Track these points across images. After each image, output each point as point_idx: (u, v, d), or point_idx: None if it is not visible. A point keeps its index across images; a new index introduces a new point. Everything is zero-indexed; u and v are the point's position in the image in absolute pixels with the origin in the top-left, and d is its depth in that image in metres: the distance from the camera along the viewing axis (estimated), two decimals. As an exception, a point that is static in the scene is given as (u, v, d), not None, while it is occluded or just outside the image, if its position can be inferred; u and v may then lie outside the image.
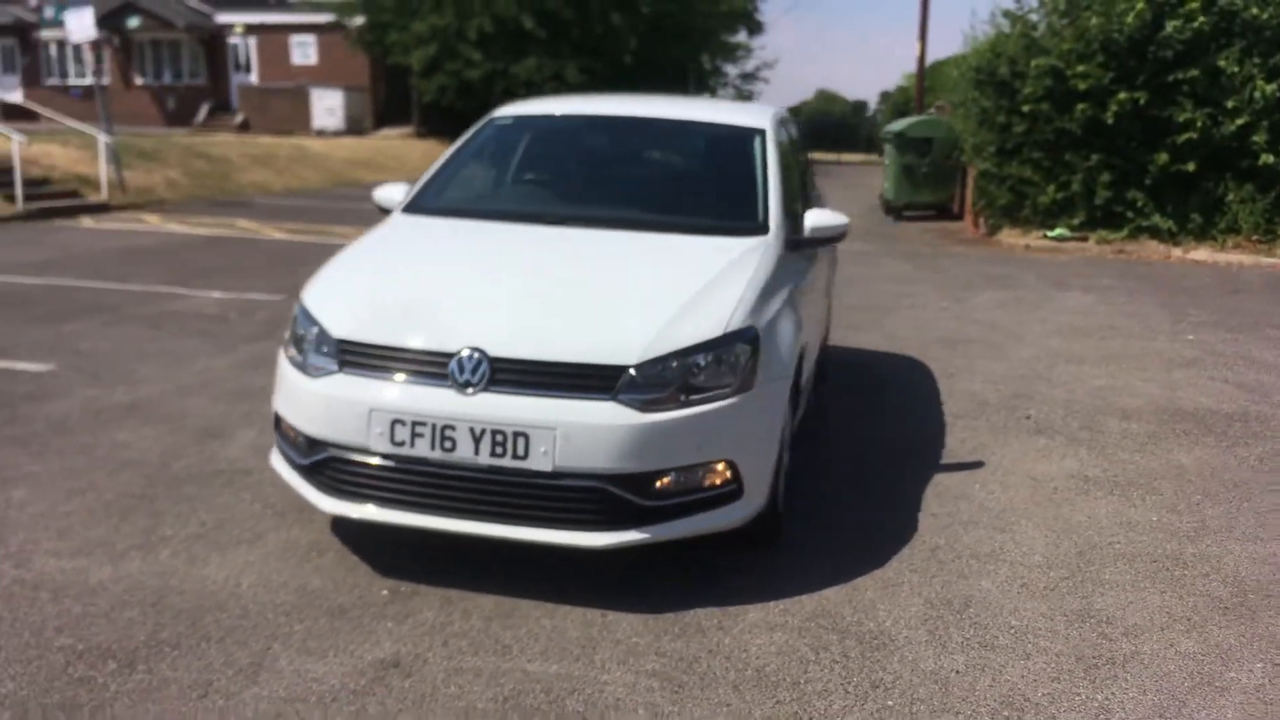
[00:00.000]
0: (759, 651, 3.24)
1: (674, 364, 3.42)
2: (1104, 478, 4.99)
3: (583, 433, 3.28)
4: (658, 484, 3.40)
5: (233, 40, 36.74)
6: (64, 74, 37.77)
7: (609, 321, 3.52)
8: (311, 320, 3.66)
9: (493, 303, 3.62)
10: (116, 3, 35.44)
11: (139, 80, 37.35)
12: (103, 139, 15.66)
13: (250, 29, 36.30)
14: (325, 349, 3.58)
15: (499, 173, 4.93)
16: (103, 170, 15.60)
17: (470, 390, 3.34)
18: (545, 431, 3.28)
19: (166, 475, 4.50)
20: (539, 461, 3.29)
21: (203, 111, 36.06)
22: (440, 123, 30.22)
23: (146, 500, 4.22)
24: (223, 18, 36.54)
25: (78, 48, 36.94)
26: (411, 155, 27.83)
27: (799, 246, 4.46)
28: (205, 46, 36.95)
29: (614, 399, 3.33)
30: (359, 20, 31.99)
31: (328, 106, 31.59)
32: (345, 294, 3.78)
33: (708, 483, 3.50)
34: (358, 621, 3.29)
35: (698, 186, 4.84)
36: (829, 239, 4.57)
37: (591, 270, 3.92)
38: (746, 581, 3.71)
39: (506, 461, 3.31)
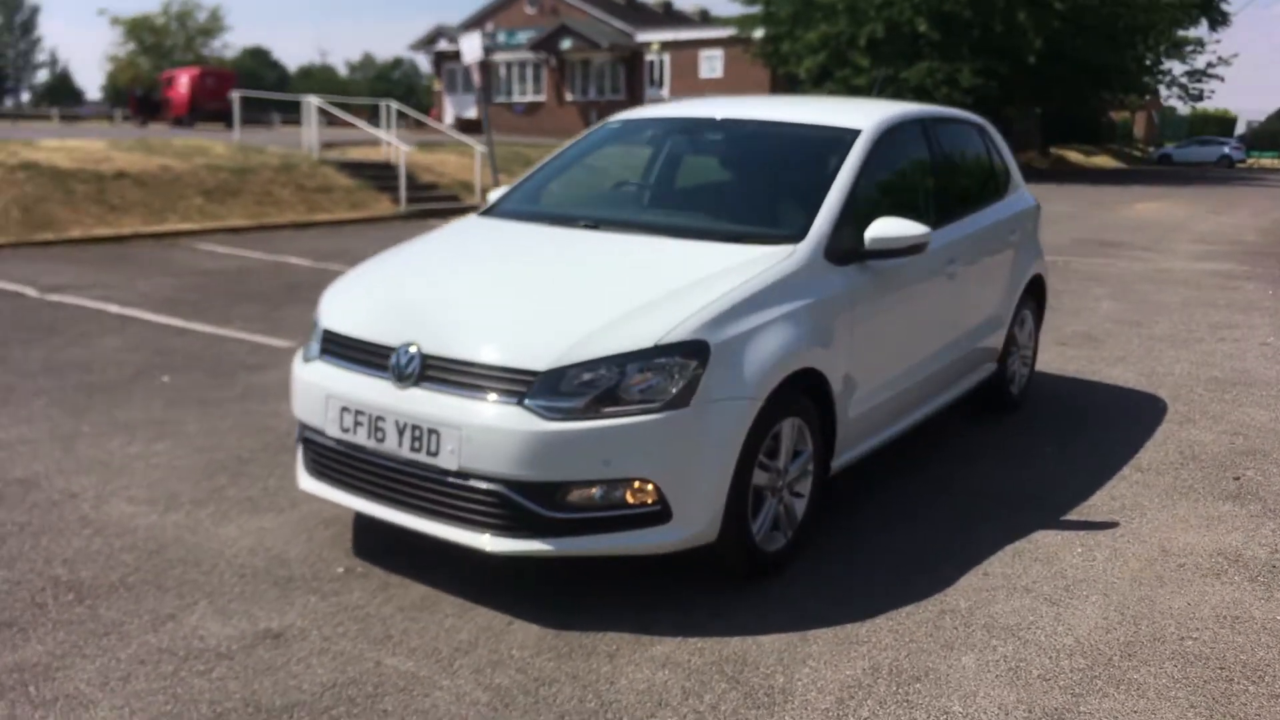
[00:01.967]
0: (626, 686, 3.03)
1: (591, 373, 3.28)
2: (1260, 561, 4.01)
3: (483, 435, 3.25)
4: (569, 496, 3.28)
5: (649, 57, 39.26)
6: (510, 92, 42.45)
7: (537, 326, 3.44)
8: (316, 312, 3.96)
9: (447, 302, 3.68)
10: (552, 27, 39.33)
11: (569, 97, 41.03)
12: (479, 149, 17.53)
13: (665, 46, 38.58)
14: (316, 338, 3.85)
15: (581, 175, 4.95)
16: (477, 176, 17.47)
17: (404, 384, 3.44)
18: (453, 431, 3.30)
19: (280, 441, 5.05)
20: (447, 460, 3.31)
21: (618, 123, 38.93)
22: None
23: (244, 463, 4.77)
24: (642, 36, 39.16)
25: (523, 68, 41.57)
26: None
27: (851, 260, 4.04)
28: (626, 64, 39.82)
29: (520, 404, 3.27)
30: (759, 33, 32.82)
31: (720, 117, 32.71)
32: (347, 290, 4.02)
33: (630, 501, 3.32)
34: (287, 592, 3.52)
35: (754, 191, 4.52)
36: (895, 252, 4.09)
37: (569, 275, 3.84)
38: (691, 614, 3.46)
39: (422, 457, 3.36)
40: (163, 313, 8.15)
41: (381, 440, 3.46)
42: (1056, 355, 7.44)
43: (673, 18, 45.12)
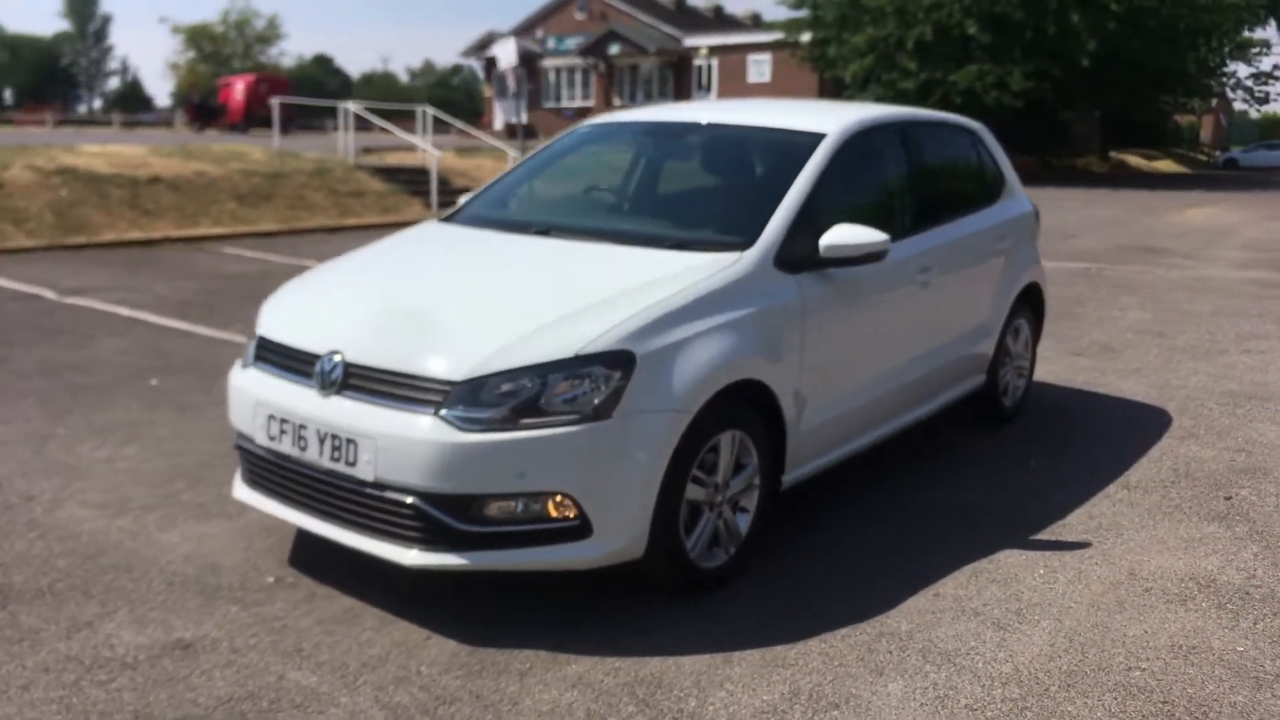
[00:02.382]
0: (529, 707, 2.94)
1: (510, 383, 3.20)
2: (1234, 587, 3.80)
3: (396, 445, 3.19)
4: (485, 509, 3.20)
5: (697, 62, 39.17)
6: (558, 97, 42.63)
7: (459, 335, 3.36)
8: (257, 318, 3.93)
9: (376, 310, 3.62)
10: (600, 32, 39.42)
11: (617, 101, 41.07)
12: (511, 153, 17.60)
13: (713, 50, 38.45)
14: (252, 345, 3.82)
15: (547, 180, 4.86)
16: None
17: (327, 393, 3.39)
18: (369, 441, 3.23)
19: (248, 449, 5.03)
20: (364, 470, 3.25)
21: (665, 128, 38.86)
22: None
23: (205, 468, 4.76)
24: (690, 41, 39.08)
25: (571, 73, 41.73)
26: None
27: (806, 268, 3.91)
28: (674, 69, 39.77)
29: (435, 414, 3.19)
30: (806, 37, 32.55)
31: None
32: (288, 295, 3.98)
33: (549, 514, 3.23)
34: (210, 602, 3.48)
35: (710, 196, 4.41)
36: (851, 260, 3.95)
37: (503, 283, 3.76)
38: (616, 631, 3.35)
39: (341, 467, 3.31)
40: (172, 316, 8.24)
41: (304, 449, 3.41)
42: (1067, 366, 7.20)
43: (723, 22, 45.00)
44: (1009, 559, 4.01)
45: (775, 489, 3.94)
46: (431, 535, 3.21)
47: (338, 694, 2.96)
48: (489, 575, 3.53)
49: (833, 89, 33.56)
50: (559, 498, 3.21)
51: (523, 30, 44.03)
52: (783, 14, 33.69)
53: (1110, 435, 5.63)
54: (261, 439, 3.56)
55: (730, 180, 4.43)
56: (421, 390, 3.24)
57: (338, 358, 3.40)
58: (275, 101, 19.79)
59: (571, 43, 41.20)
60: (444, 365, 3.23)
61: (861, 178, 4.54)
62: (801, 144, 4.29)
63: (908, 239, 4.62)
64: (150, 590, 3.56)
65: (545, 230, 4.17)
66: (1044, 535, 4.27)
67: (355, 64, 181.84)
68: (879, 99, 29.95)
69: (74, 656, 3.12)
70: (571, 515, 3.23)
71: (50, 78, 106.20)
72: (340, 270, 4.13)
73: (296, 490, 3.49)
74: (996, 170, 5.66)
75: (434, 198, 16.25)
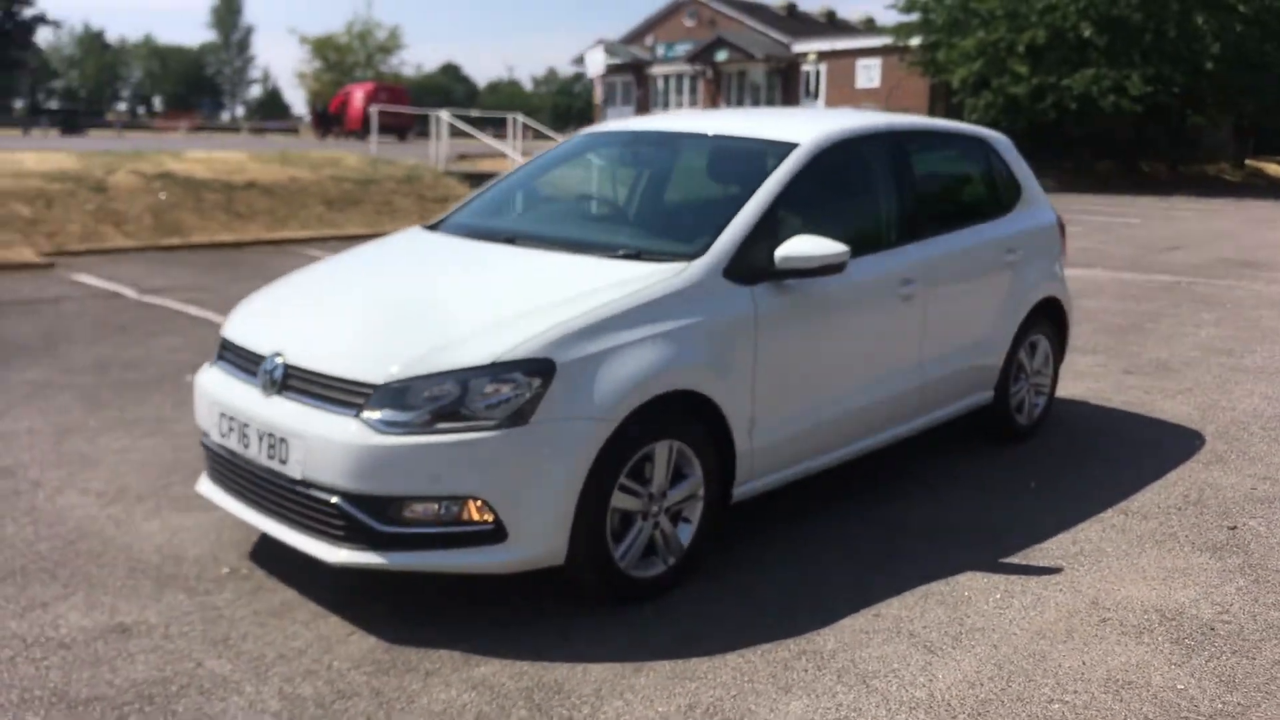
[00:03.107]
0: (422, 707, 2.99)
1: (431, 388, 3.27)
2: (1199, 621, 3.61)
3: (320, 446, 3.29)
4: (404, 510, 3.27)
5: (805, 68, 38.83)
6: (667, 104, 42.81)
7: (388, 339, 3.45)
8: (229, 318, 4.10)
9: (324, 314, 3.74)
10: (709, 38, 39.44)
11: (723, 107, 41.01)
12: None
13: (822, 56, 38.05)
14: (217, 345, 3.99)
15: (533, 188, 4.92)
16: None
17: (268, 392, 3.52)
18: (299, 440, 3.35)
19: (253, 445, 5.24)
20: (294, 468, 3.37)
21: (771, 135, 38.63)
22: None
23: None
24: (799, 46, 38.76)
25: (680, 80, 41.87)
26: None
27: (762, 279, 3.88)
28: (781, 75, 39.51)
29: (357, 416, 3.29)
30: (915, 41, 31.94)
31: (869, 128, 31.94)
32: (254, 298, 4.14)
33: (465, 518, 3.29)
34: (162, 589, 3.65)
35: (673, 206, 4.41)
36: (808, 271, 3.90)
37: (449, 289, 3.84)
38: (538, 635, 3.39)
39: (275, 464, 3.44)
40: (233, 315, 8.60)
41: (247, 446, 3.55)
42: (1114, 384, 6.92)
43: (836, 26, 44.50)
44: (968, 581, 3.90)
45: (726, 502, 3.92)
46: (353, 534, 3.31)
47: (245, 683, 3.08)
48: (438, 575, 3.61)
49: (944, 95, 32.85)
50: (475, 502, 3.26)
51: (634, 37, 44.39)
52: (896, 18, 33.14)
53: (1130, 457, 5.40)
54: (215, 436, 3.72)
55: (699, 190, 4.42)
56: (348, 393, 3.34)
57: (279, 359, 3.53)
58: (374, 109, 20.45)
59: (680, 49, 41.31)
60: (367, 369, 3.33)
61: (838, 188, 4.48)
62: (772, 154, 4.26)
63: (890, 251, 4.54)
64: (112, 576, 3.75)
65: (511, 239, 4.24)
66: (1015, 559, 4.13)
67: (482, 73, 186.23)
68: (988, 105, 29.20)
69: (19, 634, 3.32)
70: (487, 520, 3.28)
71: (196, 86, 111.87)
72: (307, 275, 4.28)
73: (243, 486, 3.64)
74: (1011, 181, 5.49)
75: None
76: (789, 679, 3.20)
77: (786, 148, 4.27)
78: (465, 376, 3.27)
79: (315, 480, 3.32)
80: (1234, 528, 4.49)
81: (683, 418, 3.65)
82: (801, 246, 3.88)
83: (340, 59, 47.01)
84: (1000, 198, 5.39)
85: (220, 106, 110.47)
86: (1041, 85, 28.21)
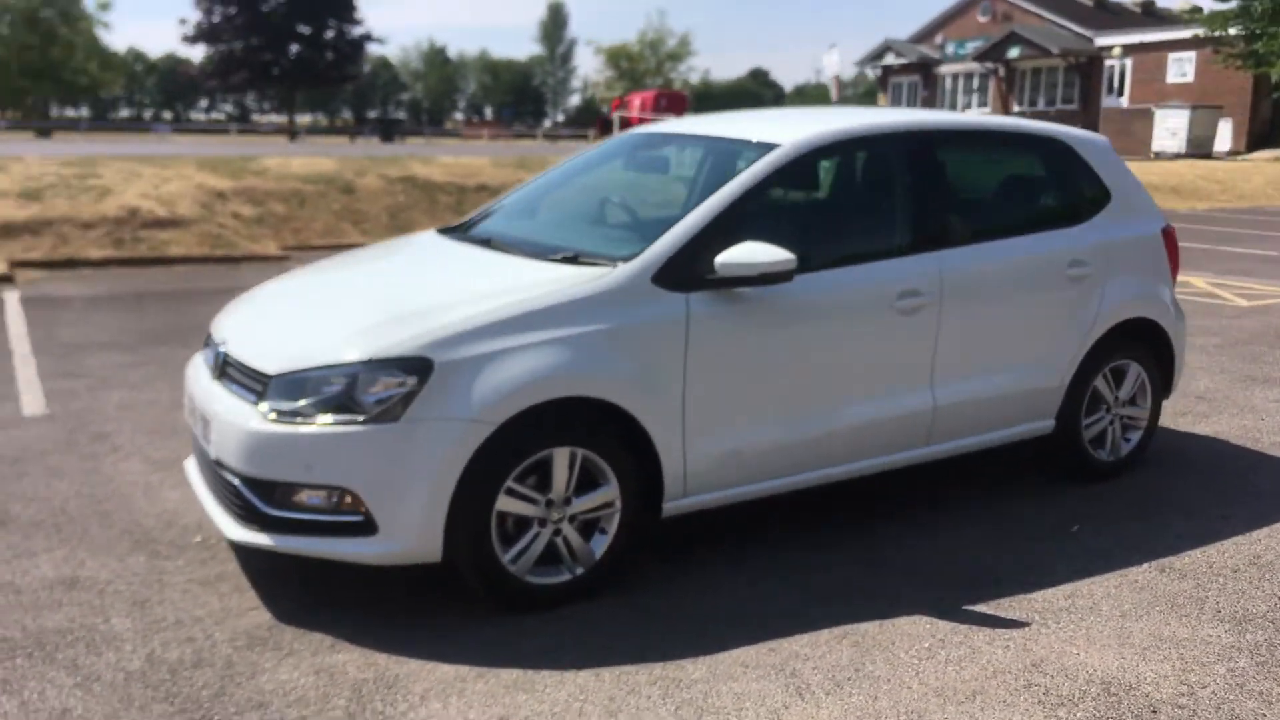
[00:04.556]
0: (259, 683, 3.13)
1: (317, 380, 3.41)
2: (1144, 700, 3.08)
3: (225, 429, 3.52)
4: (290, 496, 3.43)
5: (1109, 62, 35.89)
6: (954, 105, 41.00)
7: (297, 332, 3.63)
8: (233, 310, 4.44)
9: (269, 308, 3.97)
10: (1000, 34, 37.38)
11: (1015, 107, 38.74)
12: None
13: (1127, 50, 35.03)
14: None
15: (552, 193, 4.92)
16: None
17: (213, 377, 3.81)
18: (215, 423, 3.60)
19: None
20: (212, 449, 3.63)
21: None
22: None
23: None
24: (1102, 40, 35.91)
25: (969, 79, 40.02)
26: (1252, 180, 24.32)
27: (699, 286, 3.71)
28: (1079, 72, 36.75)
29: (255, 404, 3.48)
30: (1233, 30, 28.73)
31: (1170, 128, 29.11)
32: (249, 292, 4.45)
33: (340, 508, 3.40)
34: (132, 550, 4.01)
35: (639, 208, 4.23)
36: (748, 280, 3.68)
37: (384, 287, 3.95)
38: (424, 630, 3.45)
39: (204, 444, 3.71)
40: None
41: (194, 425, 3.86)
42: (1255, 422, 5.97)
43: (1153, 16, 40.74)
44: (906, 626, 3.54)
45: (656, 515, 3.79)
46: (248, 514, 3.51)
47: (127, 643, 3.35)
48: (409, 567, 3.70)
49: (1267, 89, 29.32)
50: (345, 493, 3.37)
51: (923, 36, 42.87)
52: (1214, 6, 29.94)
53: (1218, 506, 4.65)
54: (186, 415, 4.06)
55: (670, 193, 4.27)
56: (255, 381, 3.55)
57: (223, 348, 3.81)
58: (616, 116, 21.07)
59: (971, 47, 39.40)
60: (267, 360, 3.52)
61: (828, 193, 4.18)
62: (746, 156, 4.06)
63: (892, 260, 4.19)
64: (103, 535, 4.18)
65: (488, 241, 4.31)
66: (983, 607, 3.70)
67: (789, 77, 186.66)
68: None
69: (-10, 578, 3.79)
70: (359, 511, 3.37)
71: (523, 97, 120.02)
72: (295, 273, 4.55)
73: (200, 463, 3.95)
74: (1095, 188, 4.86)
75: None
76: (621, 705, 3.06)
77: (764, 149, 4.05)
78: (350, 371, 3.38)
79: (223, 461, 3.55)
80: None
81: (590, 425, 3.57)
82: (742, 253, 3.67)
83: (631, 67, 48.84)
84: (1072, 205, 4.80)
85: (516, 116, 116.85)
86: None
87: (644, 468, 3.71)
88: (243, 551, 4.00)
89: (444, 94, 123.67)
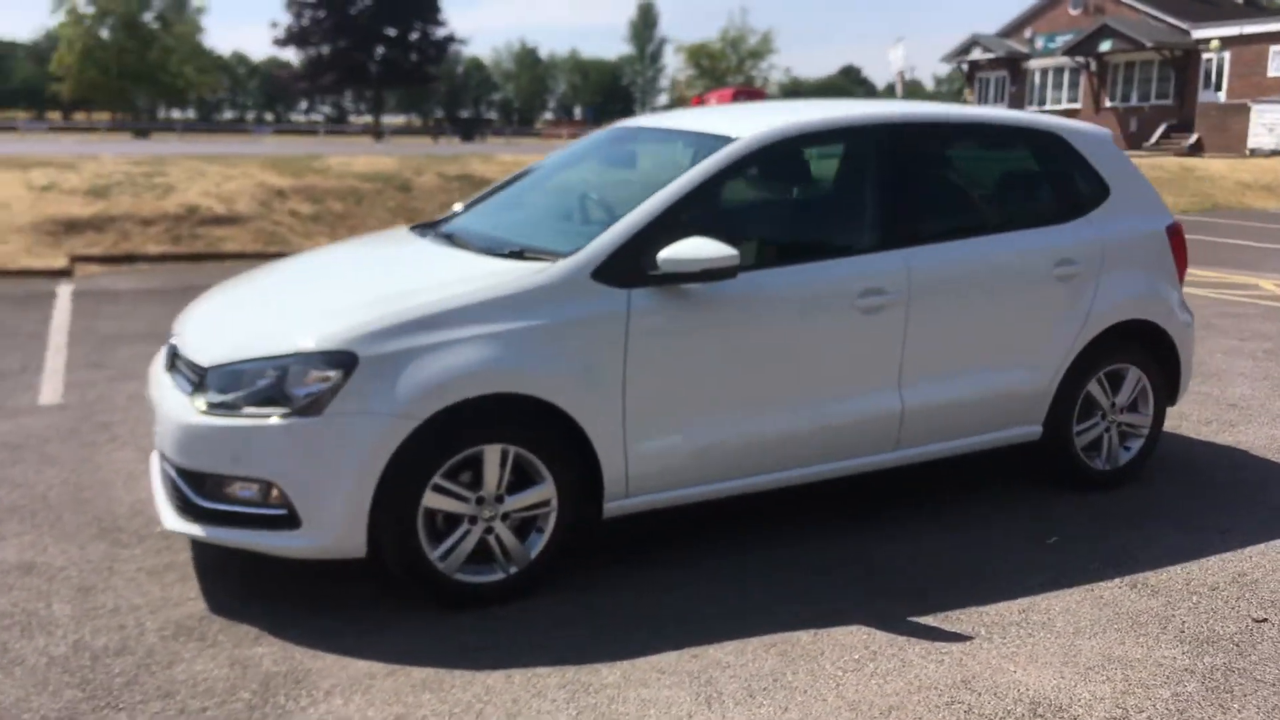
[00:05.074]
0: (173, 674, 3.15)
1: (247, 373, 3.43)
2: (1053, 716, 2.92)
3: (164, 420, 3.57)
4: (219, 488, 3.45)
5: (1206, 56, 34.49)
6: (1043, 101, 39.88)
7: (235, 327, 3.66)
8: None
9: (221, 302, 4.01)
10: (1092, 27, 36.23)
11: (1107, 103, 37.53)
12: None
13: (1225, 42, 33.61)
14: (182, 327, 4.41)
15: (528, 187, 4.87)
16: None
17: (166, 369, 3.87)
18: (157, 414, 3.66)
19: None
20: (156, 439, 3.68)
21: (1158, 133, 34.72)
22: None
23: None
24: (1200, 32, 34.52)
25: (1060, 74, 38.88)
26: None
27: (641, 282, 3.63)
28: (1175, 66, 35.39)
29: (192, 396, 3.52)
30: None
31: (1267, 123, 27.85)
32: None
33: (265, 501, 3.41)
34: (95, 538, 4.10)
35: (595, 204, 4.15)
36: (690, 276, 3.60)
37: (330, 283, 3.96)
38: (352, 624, 3.45)
39: (154, 433, 3.77)
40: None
41: (151, 417, 3.93)
42: (1312, 432, 5.64)
43: (1254, 8, 38.99)
44: (840, 636, 3.42)
45: (596, 515, 3.73)
46: (183, 505, 3.55)
47: (59, 628, 3.41)
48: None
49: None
50: (270, 487, 3.38)
51: (1012, 30, 41.77)
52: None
53: (1215, 521, 4.40)
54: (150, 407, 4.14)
55: (629, 187, 4.18)
56: (195, 373, 3.59)
57: (174, 340, 3.87)
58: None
59: (1062, 41, 38.21)
60: (203, 353, 3.56)
61: (786, 187, 4.07)
62: (702, 149, 3.97)
63: (853, 258, 4.05)
64: (72, 522, 4.28)
65: (449, 236, 4.30)
66: (929, 619, 3.55)
67: (881, 76, 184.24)
68: None
69: (-47, 560, 3.91)
70: (282, 504, 3.39)
71: (612, 96, 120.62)
72: (264, 267, 4.60)
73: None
74: (1092, 183, 4.62)
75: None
76: (523, 707, 3.01)
77: (720, 142, 3.95)
78: (280, 364, 3.40)
79: (163, 452, 3.61)
80: (1263, 620, 3.54)
81: (524, 422, 3.53)
82: (684, 249, 3.59)
83: (712, 65, 48.63)
84: (1063, 201, 4.58)
85: (600, 116, 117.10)
86: None
87: (584, 467, 3.66)
88: (198, 543, 4.06)
89: (534, 94, 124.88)
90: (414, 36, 56.04)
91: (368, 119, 75.51)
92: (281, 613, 3.53)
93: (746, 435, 3.88)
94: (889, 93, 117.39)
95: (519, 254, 3.80)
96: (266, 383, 3.41)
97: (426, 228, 4.60)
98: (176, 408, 3.54)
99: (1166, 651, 3.34)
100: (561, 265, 3.63)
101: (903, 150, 4.22)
